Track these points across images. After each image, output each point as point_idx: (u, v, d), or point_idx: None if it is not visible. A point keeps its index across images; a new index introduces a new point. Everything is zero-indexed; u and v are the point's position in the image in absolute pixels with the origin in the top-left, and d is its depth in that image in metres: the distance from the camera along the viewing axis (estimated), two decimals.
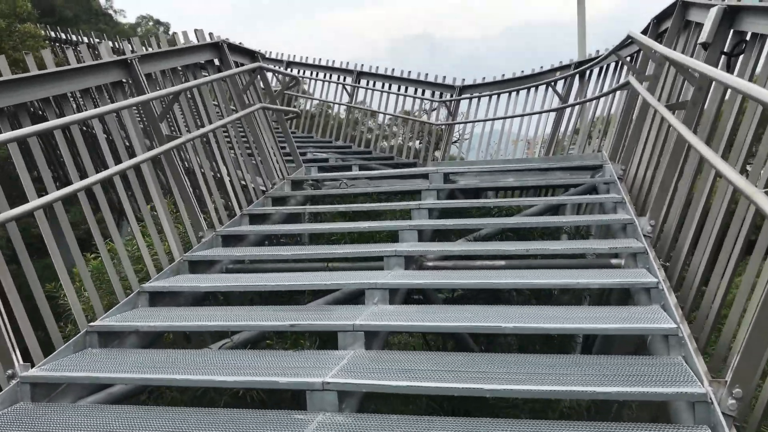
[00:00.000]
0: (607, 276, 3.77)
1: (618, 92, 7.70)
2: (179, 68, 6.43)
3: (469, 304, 4.63)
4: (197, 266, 4.85)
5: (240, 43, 8.67)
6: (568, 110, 9.63)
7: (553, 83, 9.93)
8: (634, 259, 4.12)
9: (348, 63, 13.85)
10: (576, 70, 9.43)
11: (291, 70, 14.81)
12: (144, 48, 6.69)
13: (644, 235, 4.49)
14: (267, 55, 15.45)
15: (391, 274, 4.16)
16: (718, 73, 3.59)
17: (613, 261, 4.52)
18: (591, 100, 8.77)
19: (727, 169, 3.18)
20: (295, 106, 14.22)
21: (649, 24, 6.96)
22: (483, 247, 4.70)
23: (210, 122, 6.10)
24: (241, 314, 3.90)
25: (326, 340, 3.93)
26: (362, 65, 13.51)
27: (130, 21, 43.47)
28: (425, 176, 6.51)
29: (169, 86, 5.74)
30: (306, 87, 14.90)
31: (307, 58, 14.63)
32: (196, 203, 5.29)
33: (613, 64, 8.58)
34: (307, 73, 14.65)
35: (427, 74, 12.64)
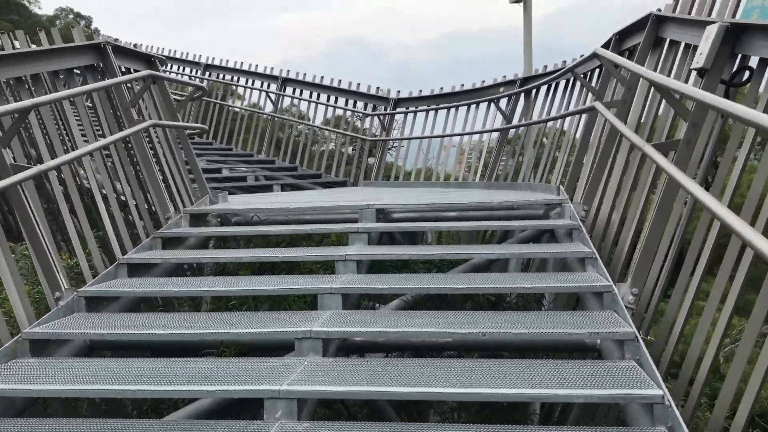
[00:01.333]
0: (595, 383, 2.80)
1: (572, 115, 6.86)
2: (46, 75, 5.14)
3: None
4: (44, 347, 3.60)
5: (135, 45, 7.42)
6: (513, 131, 8.78)
7: (496, 100, 9.06)
8: (620, 349, 3.17)
9: (273, 68, 12.68)
10: (522, 88, 8.59)
11: (209, 75, 13.50)
12: None
13: (626, 306, 3.57)
14: (183, 57, 14.08)
15: (300, 370, 3.06)
16: (739, 108, 2.68)
17: (588, 341, 3.59)
18: (542, 122, 7.92)
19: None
20: (221, 112, 12.89)
21: (610, 40, 6.13)
22: (421, 327, 3.59)
23: (94, 142, 4.84)
24: None
25: None
26: (288, 71, 12.37)
27: (47, 13, 40.58)
28: (354, 212, 5.44)
29: (27, 98, 4.46)
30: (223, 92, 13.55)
31: (227, 61, 13.36)
32: (53, 255, 4.03)
33: (563, 82, 7.78)
34: (228, 78, 13.35)
35: (359, 84, 11.61)
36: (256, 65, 12.86)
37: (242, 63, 13.08)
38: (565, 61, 8.26)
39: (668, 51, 4.87)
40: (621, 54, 5.97)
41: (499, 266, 5.30)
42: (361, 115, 11.68)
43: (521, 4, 9.04)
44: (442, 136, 10.03)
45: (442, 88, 10.46)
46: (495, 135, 9.09)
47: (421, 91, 10.89)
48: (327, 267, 4.66)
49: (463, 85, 10.04)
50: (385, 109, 11.13)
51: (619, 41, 6.08)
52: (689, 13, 4.85)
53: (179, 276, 4.73)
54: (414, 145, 10.89)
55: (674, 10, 5.13)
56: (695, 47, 4.38)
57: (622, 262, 4.28)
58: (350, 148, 11.56)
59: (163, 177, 5.80)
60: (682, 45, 4.65)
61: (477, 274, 4.49)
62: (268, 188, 9.73)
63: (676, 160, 3.64)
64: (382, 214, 5.59)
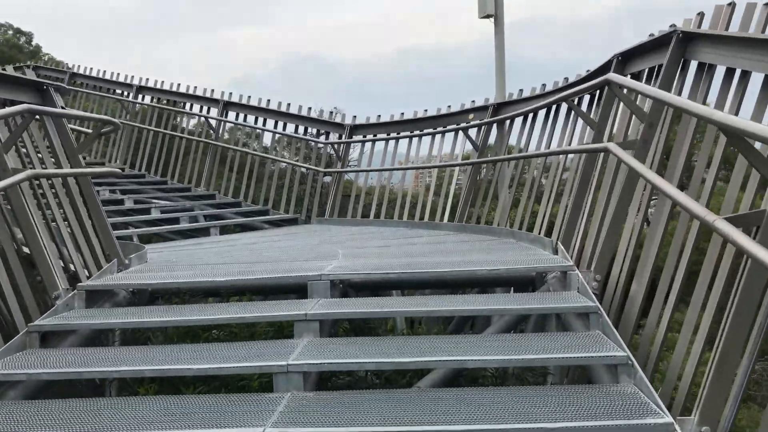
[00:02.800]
0: None
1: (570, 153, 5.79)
2: None
3: None
4: None
5: (58, 65, 6.01)
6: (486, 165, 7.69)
7: (465, 129, 7.97)
8: None
9: (213, 91, 11.36)
10: (496, 117, 7.52)
11: (143, 98, 12.12)
12: None
13: None
14: (113, 78, 12.66)
15: None
16: None
17: None
18: (526, 157, 6.82)
19: None
20: (155, 141, 11.49)
21: (611, 62, 5.09)
22: None
23: None
24: None
25: None
26: (230, 94, 11.05)
27: None
28: (303, 287, 4.20)
29: None
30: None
31: (162, 83, 11.97)
32: None
33: (543, 111, 6.73)
34: (164, 102, 11.97)
35: (310, 108, 10.40)
36: (195, 87, 11.54)
37: (179, 85, 11.73)
38: (544, 85, 7.23)
39: (700, 77, 3.82)
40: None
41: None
42: (313, 144, 10.46)
43: (491, 20, 8.03)
44: (404, 169, 8.90)
45: (403, 114, 9.33)
46: (468, 170, 7.99)
47: (379, 116, 9.74)
48: (264, 378, 3.41)
49: (426, 110, 8.94)
50: (340, 137, 9.94)
51: (621, 64, 5.04)
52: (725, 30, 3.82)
53: (58, 394, 3.40)
54: (374, 175, 9.75)
55: (699, 27, 4.11)
56: (745, 73, 3.37)
57: (676, 376, 3.15)
58: (304, 168, 10.28)
59: (55, 239, 4.48)
60: (722, 70, 3.62)
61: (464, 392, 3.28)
62: (205, 231, 8.41)
63: (761, 238, 2.54)
64: (339, 287, 4.38)
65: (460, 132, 8.10)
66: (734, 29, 3.70)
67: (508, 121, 7.58)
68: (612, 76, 4.07)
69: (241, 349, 3.40)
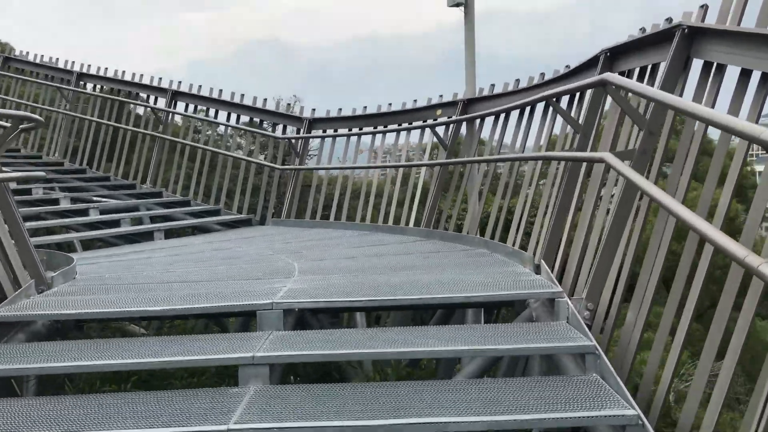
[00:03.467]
0: None
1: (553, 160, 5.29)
2: None
3: None
4: None
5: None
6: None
7: (432, 127, 7.43)
8: None
9: (161, 80, 10.56)
10: (465, 116, 6.99)
11: (84, 86, 11.24)
12: None
13: None
14: (51, 64, 11.73)
15: None
16: None
17: None
18: (500, 160, 6.31)
19: None
20: (98, 132, 10.63)
21: (598, 58, 4.59)
22: None
23: None
24: None
25: None
26: (179, 83, 10.28)
27: None
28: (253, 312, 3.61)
29: None
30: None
31: (106, 70, 11.11)
32: None
33: (517, 111, 6.22)
34: (107, 90, 11.11)
35: (265, 100, 9.72)
36: (141, 75, 10.71)
37: (123, 72, 10.88)
38: (518, 80, 6.73)
39: (706, 78, 3.34)
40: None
41: None
42: (269, 138, 9.78)
43: (461, 9, 7.49)
44: (367, 168, 8.32)
45: (365, 108, 8.73)
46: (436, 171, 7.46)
47: (340, 110, 9.12)
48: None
49: (390, 104, 8.35)
50: (299, 131, 9.29)
51: (609, 61, 4.56)
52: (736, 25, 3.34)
53: None
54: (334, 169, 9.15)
55: (702, 20, 3.63)
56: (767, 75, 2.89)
57: None
58: (263, 156, 9.57)
59: None
60: (736, 71, 3.15)
61: None
62: (149, 235, 7.69)
63: None
64: (295, 312, 3.80)
65: (427, 129, 7.56)
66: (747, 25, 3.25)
67: (478, 120, 7.08)
68: (610, 76, 3.56)
69: (171, 404, 2.79)
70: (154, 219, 8.52)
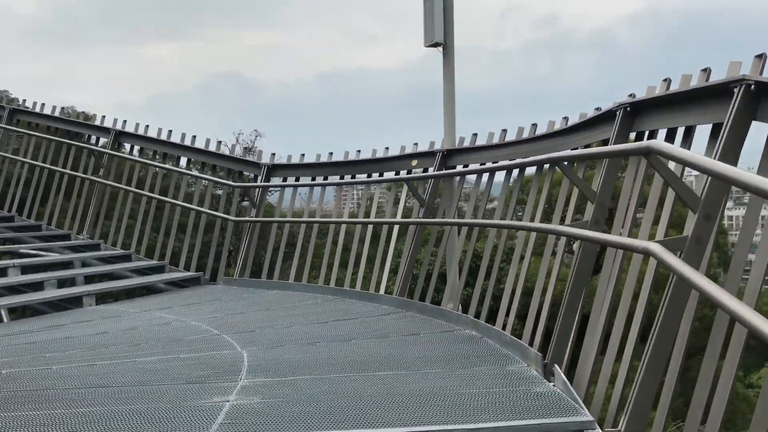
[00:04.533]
0: None
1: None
2: None
3: None
4: None
5: None
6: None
7: (408, 180, 6.59)
8: None
9: (104, 118, 9.54)
10: (445, 171, 6.17)
11: (17, 124, 10.15)
12: None
13: None
14: None
15: None
16: None
17: None
18: (493, 226, 5.49)
19: None
20: (32, 175, 9.49)
21: (613, 114, 3.81)
22: None
23: None
24: None
25: None
26: (124, 122, 9.27)
27: None
28: None
29: None
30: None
31: (42, 106, 10.03)
32: None
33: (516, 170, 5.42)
34: (44, 129, 10.02)
35: (220, 142, 8.77)
36: (82, 113, 9.69)
37: (62, 109, 9.84)
38: (505, 131, 5.96)
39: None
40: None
41: None
42: (223, 186, 8.81)
43: (440, 49, 6.74)
44: (334, 222, 7.40)
45: (331, 154, 7.86)
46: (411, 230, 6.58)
47: (303, 155, 8.23)
48: None
49: (359, 151, 7.50)
50: (256, 178, 8.35)
51: (630, 117, 3.78)
52: None
53: None
54: (301, 198, 8.23)
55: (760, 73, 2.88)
56: None
57: None
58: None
59: None
60: None
61: None
62: (77, 301, 6.60)
63: None
64: None
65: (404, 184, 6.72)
66: None
67: (460, 177, 6.28)
68: (659, 144, 2.74)
69: None
70: (87, 279, 7.42)
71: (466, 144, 6.39)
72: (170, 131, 8.99)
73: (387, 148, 7.31)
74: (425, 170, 6.77)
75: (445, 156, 6.45)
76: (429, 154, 6.65)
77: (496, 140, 5.99)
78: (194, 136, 8.81)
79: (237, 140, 33.77)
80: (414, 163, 6.78)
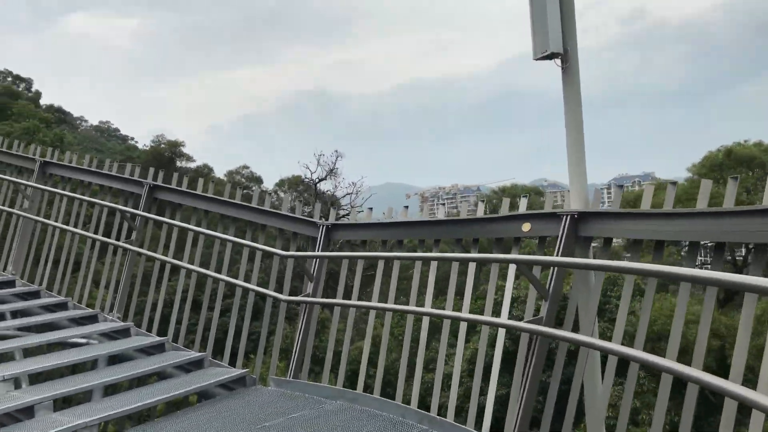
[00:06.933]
0: None
1: None
2: None
3: None
4: None
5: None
6: None
7: (521, 261, 4.46)
8: None
9: (135, 169, 7.98)
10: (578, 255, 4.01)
11: (50, 177, 8.81)
12: None
13: None
14: None
15: None
16: None
17: None
18: None
19: None
20: None
21: None
22: None
23: None
24: None
25: None
26: (157, 175, 7.65)
27: None
28: None
29: None
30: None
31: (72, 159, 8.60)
32: None
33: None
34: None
35: (266, 193, 6.96)
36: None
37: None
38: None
39: None
40: None
41: None
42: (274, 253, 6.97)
43: (557, 61, 4.58)
44: (422, 314, 5.36)
45: (406, 208, 5.88)
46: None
47: (371, 209, 6.32)
48: None
49: (448, 212, 5.47)
50: (313, 241, 6.47)
51: None
52: None
53: None
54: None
55: None
56: None
57: None
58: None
59: None
60: None
61: None
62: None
63: None
64: None
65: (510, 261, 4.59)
66: None
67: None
68: None
69: None
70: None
71: (606, 207, 4.23)
72: (212, 182, 7.28)
73: (485, 209, 5.21)
74: (542, 239, 4.65)
75: (577, 220, 4.29)
76: (549, 216, 4.51)
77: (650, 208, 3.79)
78: (244, 192, 7.05)
79: (318, 162, 32.21)
80: (526, 228, 4.66)
